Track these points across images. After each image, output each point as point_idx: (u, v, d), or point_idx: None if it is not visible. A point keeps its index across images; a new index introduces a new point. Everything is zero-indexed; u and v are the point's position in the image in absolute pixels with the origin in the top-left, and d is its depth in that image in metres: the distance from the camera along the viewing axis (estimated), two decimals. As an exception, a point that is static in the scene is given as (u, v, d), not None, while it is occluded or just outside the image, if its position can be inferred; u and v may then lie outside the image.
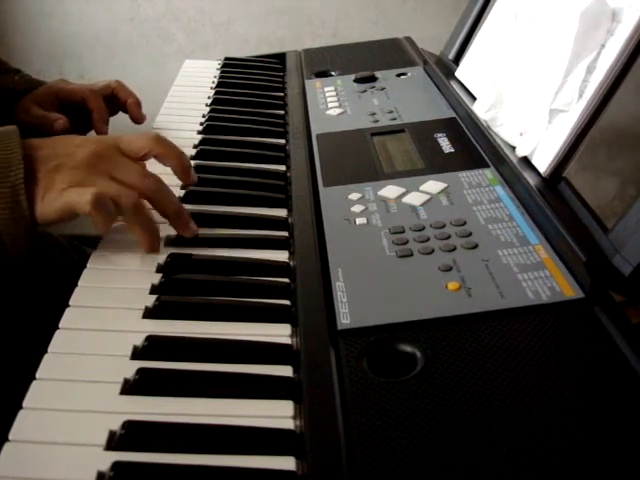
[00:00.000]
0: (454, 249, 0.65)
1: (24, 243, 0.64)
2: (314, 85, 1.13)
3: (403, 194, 0.75)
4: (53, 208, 0.64)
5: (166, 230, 0.73)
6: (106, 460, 0.46)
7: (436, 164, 0.81)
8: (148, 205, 0.70)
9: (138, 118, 0.99)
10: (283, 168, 0.89)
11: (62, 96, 0.96)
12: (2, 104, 0.95)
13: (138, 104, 0.99)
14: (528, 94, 0.78)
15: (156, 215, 0.72)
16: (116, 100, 0.99)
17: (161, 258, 0.68)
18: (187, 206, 0.77)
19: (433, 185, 0.76)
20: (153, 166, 0.73)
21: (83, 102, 0.95)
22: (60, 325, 0.59)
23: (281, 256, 0.70)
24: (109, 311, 0.62)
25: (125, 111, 1.00)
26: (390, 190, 0.76)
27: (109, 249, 0.70)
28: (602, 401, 0.49)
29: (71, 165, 0.65)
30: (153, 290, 0.64)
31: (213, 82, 1.18)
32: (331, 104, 1.04)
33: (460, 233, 0.67)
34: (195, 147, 0.94)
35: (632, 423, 0.47)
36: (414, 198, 0.74)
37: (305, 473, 0.46)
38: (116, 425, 0.49)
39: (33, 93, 0.96)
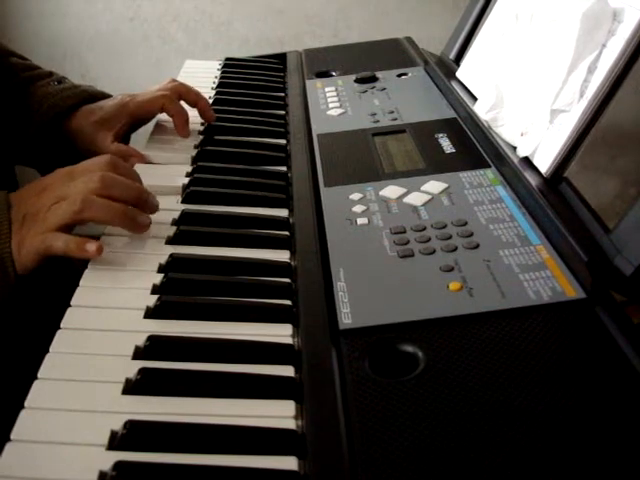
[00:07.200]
0: (455, 249, 0.65)
1: (6, 300, 0.67)
2: (315, 85, 1.13)
3: (404, 194, 0.75)
4: (29, 258, 0.66)
5: (165, 230, 0.73)
6: (108, 460, 0.46)
7: (437, 164, 0.81)
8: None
9: (209, 118, 1.00)
10: (284, 168, 0.89)
11: (137, 113, 0.94)
12: (47, 119, 0.92)
13: (209, 106, 1.00)
14: (529, 94, 0.78)
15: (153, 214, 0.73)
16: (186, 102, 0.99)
17: (162, 258, 0.68)
18: (188, 206, 0.78)
19: (434, 185, 0.76)
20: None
21: (160, 111, 0.96)
22: (62, 325, 0.59)
23: (282, 256, 0.70)
24: (110, 311, 0.62)
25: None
26: (391, 190, 0.76)
27: (110, 249, 0.70)
28: (604, 401, 0.49)
29: (32, 212, 0.68)
30: (154, 290, 0.64)
31: (214, 82, 1.18)
32: (332, 104, 1.04)
33: (461, 233, 0.67)
34: (196, 147, 0.94)
35: (633, 422, 0.47)
36: (415, 198, 0.74)
37: (307, 473, 0.46)
38: (118, 425, 0.49)
39: (94, 112, 0.93)
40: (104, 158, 0.72)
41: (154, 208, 0.73)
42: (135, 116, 0.95)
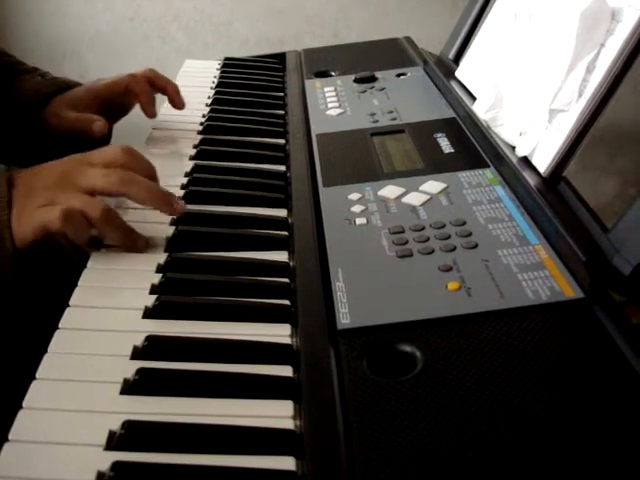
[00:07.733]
0: (454, 249, 0.65)
1: (6, 275, 0.66)
2: (314, 85, 1.13)
3: (403, 194, 0.75)
4: (28, 229, 0.65)
5: (164, 230, 0.73)
6: (106, 460, 0.46)
7: (436, 164, 0.81)
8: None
9: (178, 105, 1.00)
10: (283, 168, 0.89)
11: (104, 93, 0.95)
12: (28, 108, 0.94)
13: (177, 91, 1.00)
14: (528, 94, 0.78)
15: (154, 214, 0.73)
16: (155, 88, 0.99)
17: (161, 258, 0.68)
18: (187, 206, 0.78)
19: (433, 185, 0.76)
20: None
21: (126, 91, 0.96)
22: (60, 325, 0.59)
23: (281, 256, 0.70)
24: (109, 311, 0.62)
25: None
26: (390, 190, 0.76)
27: (109, 249, 0.70)
28: (602, 401, 0.49)
29: (41, 187, 0.67)
30: (153, 290, 0.64)
31: (213, 82, 1.18)
32: (331, 104, 1.04)
33: (460, 233, 0.67)
34: (195, 147, 0.94)
35: (632, 423, 0.47)
36: (414, 198, 0.74)
37: (305, 473, 0.46)
38: (116, 425, 0.49)
39: (66, 96, 0.95)
40: (118, 148, 0.71)
41: (181, 211, 0.72)
42: (103, 97, 0.95)
